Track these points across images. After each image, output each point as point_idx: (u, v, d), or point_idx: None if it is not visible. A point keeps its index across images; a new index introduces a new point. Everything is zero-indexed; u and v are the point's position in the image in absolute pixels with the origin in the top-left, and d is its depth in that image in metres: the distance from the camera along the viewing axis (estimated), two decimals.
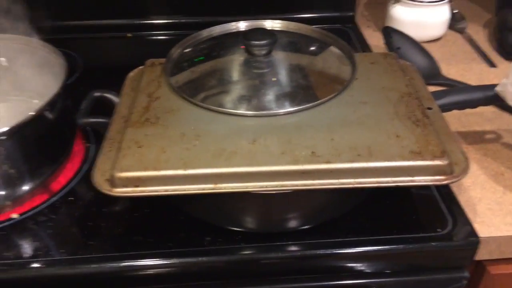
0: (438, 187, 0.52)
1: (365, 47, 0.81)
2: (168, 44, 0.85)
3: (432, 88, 0.68)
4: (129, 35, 0.86)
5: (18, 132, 0.47)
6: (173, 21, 0.87)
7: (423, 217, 0.50)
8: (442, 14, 0.79)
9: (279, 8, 0.86)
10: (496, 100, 0.52)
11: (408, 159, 0.43)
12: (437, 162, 0.42)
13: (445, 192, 0.51)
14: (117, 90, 0.57)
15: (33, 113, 0.48)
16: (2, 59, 0.62)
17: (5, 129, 0.46)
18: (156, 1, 0.85)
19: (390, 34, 0.74)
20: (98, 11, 0.85)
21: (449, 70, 0.72)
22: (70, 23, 0.85)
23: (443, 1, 0.77)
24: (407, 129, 0.46)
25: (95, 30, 0.86)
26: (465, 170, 0.43)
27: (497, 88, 0.51)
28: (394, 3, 0.80)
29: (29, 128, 0.48)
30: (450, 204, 0.50)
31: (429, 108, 0.51)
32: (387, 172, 0.43)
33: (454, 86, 0.68)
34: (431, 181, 0.43)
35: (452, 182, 0.42)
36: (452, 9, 0.82)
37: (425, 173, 0.43)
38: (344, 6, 0.87)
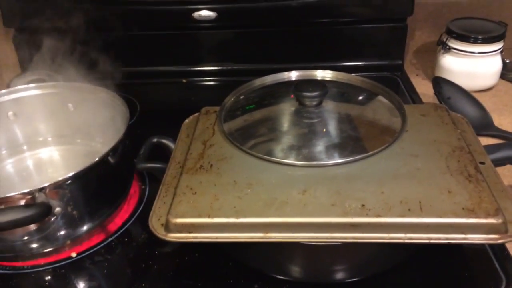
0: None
1: (414, 96, 0.81)
2: (220, 89, 0.90)
3: (484, 139, 0.68)
4: (184, 80, 0.91)
5: (82, 176, 0.51)
6: (225, 68, 0.91)
7: (476, 275, 0.48)
8: (493, 65, 0.78)
9: (328, 56, 0.88)
10: None
11: (461, 216, 0.42)
12: (490, 221, 0.42)
13: (499, 249, 0.50)
14: (172, 132, 0.60)
15: (97, 159, 0.51)
16: (70, 105, 0.67)
17: (71, 174, 0.49)
18: (209, 49, 0.90)
19: (440, 84, 0.74)
20: (155, 59, 0.91)
21: (502, 121, 0.71)
22: (130, 69, 0.91)
23: (495, 52, 0.77)
24: (459, 184, 0.46)
25: (152, 76, 0.91)
26: None
27: None
28: (444, 53, 0.80)
29: (92, 173, 0.52)
30: (504, 262, 0.49)
31: (482, 163, 0.50)
32: (438, 228, 0.42)
33: (507, 137, 0.67)
34: (484, 239, 0.42)
35: (506, 242, 0.41)
36: (504, 59, 0.81)
37: (478, 231, 0.42)
38: (392, 55, 0.88)
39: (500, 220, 0.42)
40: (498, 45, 0.77)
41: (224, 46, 0.90)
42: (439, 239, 0.42)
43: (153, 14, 0.85)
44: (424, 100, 0.79)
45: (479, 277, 0.48)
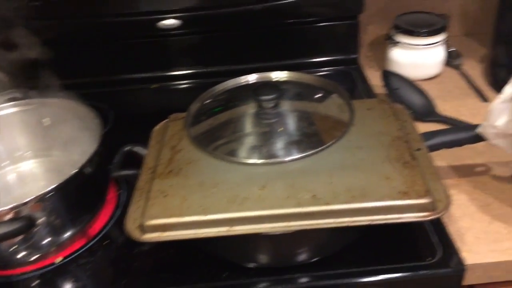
0: None
1: (367, 88, 0.87)
2: (190, 91, 0.95)
3: (428, 125, 0.74)
4: (154, 86, 0.95)
5: (62, 188, 0.55)
6: (194, 71, 0.95)
7: (417, 248, 0.55)
8: (437, 55, 0.85)
9: (291, 54, 0.93)
10: (480, 139, 0.58)
11: (396, 199, 0.49)
12: (421, 201, 0.48)
13: (437, 223, 0.57)
14: (145, 138, 0.64)
15: (74, 171, 0.56)
16: (45, 119, 0.72)
17: (51, 187, 0.54)
18: (177, 54, 0.94)
19: (388, 76, 0.81)
20: (126, 67, 0.94)
21: (445, 107, 0.78)
22: (102, 78, 0.95)
23: (438, 43, 0.84)
24: (396, 171, 0.52)
25: (125, 83, 0.94)
26: (446, 207, 0.48)
27: (479, 130, 0.57)
28: (392, 46, 0.87)
29: (71, 184, 0.57)
30: (440, 235, 0.56)
31: (419, 149, 0.57)
32: (378, 211, 0.49)
33: (448, 122, 0.74)
34: (416, 217, 0.48)
35: (434, 218, 0.48)
36: (448, 48, 0.88)
37: (411, 210, 0.48)
38: (348, 50, 0.94)
39: (429, 200, 0.48)
40: (441, 37, 0.84)
41: (191, 50, 0.94)
42: (379, 220, 0.49)
43: (118, 26, 0.89)
44: (377, 91, 0.85)
45: (419, 250, 0.55)
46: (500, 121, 0.55)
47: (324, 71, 0.94)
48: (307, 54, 0.95)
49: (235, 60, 0.94)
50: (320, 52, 0.95)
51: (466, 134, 0.59)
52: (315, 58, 0.95)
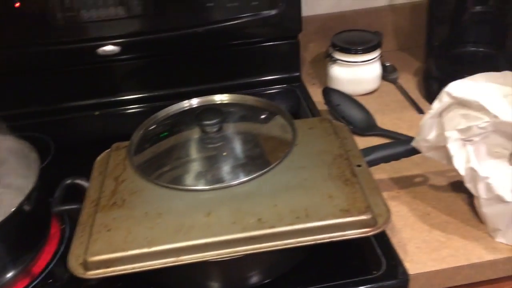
0: None
1: (311, 105, 0.89)
2: (135, 117, 0.93)
3: (369, 139, 0.77)
4: (96, 113, 0.93)
5: (1, 228, 0.53)
6: (137, 96, 0.94)
7: (362, 262, 0.57)
8: (374, 70, 0.89)
9: (236, 74, 0.94)
10: (416, 152, 0.61)
11: (339, 217, 0.50)
12: (362, 217, 0.50)
13: (380, 236, 0.59)
14: (88, 169, 0.63)
15: (12, 210, 0.54)
16: None
17: None
18: (120, 80, 0.93)
19: (329, 93, 0.83)
20: (67, 95, 0.92)
21: (384, 120, 0.81)
22: (41, 108, 0.92)
23: (374, 60, 0.87)
24: (338, 189, 0.54)
25: (66, 112, 0.92)
26: (386, 221, 0.50)
27: (413, 143, 0.60)
28: (331, 64, 0.89)
29: (9, 224, 0.54)
30: (384, 247, 0.57)
31: (359, 166, 0.59)
32: (322, 230, 0.50)
33: (387, 135, 0.77)
34: (359, 233, 0.50)
35: (375, 233, 0.50)
36: (384, 63, 0.92)
37: (354, 227, 0.50)
38: (291, 68, 0.96)
39: (370, 216, 0.50)
40: (376, 53, 0.88)
41: (134, 75, 0.92)
42: (323, 239, 0.50)
43: (56, 54, 0.87)
44: (320, 107, 0.87)
45: (364, 263, 0.57)
46: (431, 135, 0.58)
47: (269, 90, 0.96)
48: (252, 74, 0.96)
49: (181, 83, 0.93)
50: (264, 71, 0.96)
51: (403, 148, 0.62)
52: (259, 78, 0.96)
